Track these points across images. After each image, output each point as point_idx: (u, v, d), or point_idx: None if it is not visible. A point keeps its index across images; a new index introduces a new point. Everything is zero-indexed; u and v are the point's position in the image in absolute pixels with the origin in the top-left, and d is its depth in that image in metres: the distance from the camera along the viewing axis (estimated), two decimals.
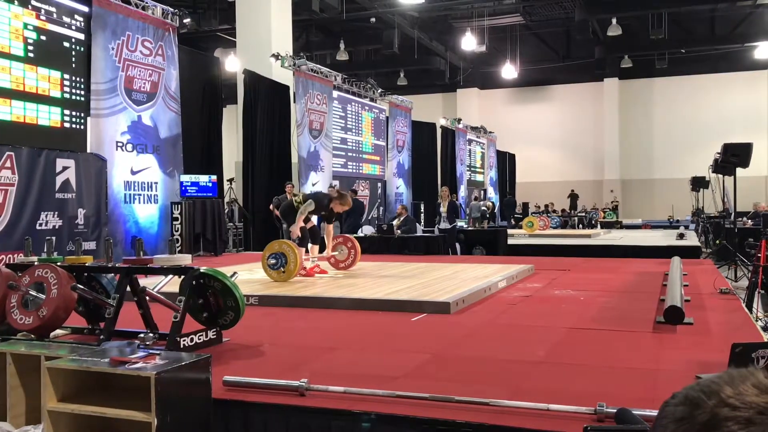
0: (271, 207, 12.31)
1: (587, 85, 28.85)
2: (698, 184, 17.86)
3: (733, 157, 9.67)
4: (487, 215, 19.46)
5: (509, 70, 24.49)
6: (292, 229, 7.55)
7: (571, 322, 4.94)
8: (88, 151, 9.70)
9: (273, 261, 7.08)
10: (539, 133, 29.67)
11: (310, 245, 7.85)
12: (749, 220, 15.17)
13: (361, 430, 2.81)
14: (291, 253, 7.04)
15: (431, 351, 4.06)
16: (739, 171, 9.86)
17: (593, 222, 21.90)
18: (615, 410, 2.55)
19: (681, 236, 14.03)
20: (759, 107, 26.88)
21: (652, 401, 2.75)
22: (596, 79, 28.43)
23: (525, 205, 25.93)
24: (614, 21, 21.46)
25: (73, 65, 9.43)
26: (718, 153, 10.32)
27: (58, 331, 4.28)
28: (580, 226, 21.43)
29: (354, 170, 17.11)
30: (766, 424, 0.70)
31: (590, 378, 3.40)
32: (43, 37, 8.92)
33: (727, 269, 9.64)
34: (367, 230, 13.41)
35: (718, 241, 12.35)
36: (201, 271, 4.04)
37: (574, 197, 26.95)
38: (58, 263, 4.26)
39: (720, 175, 11.78)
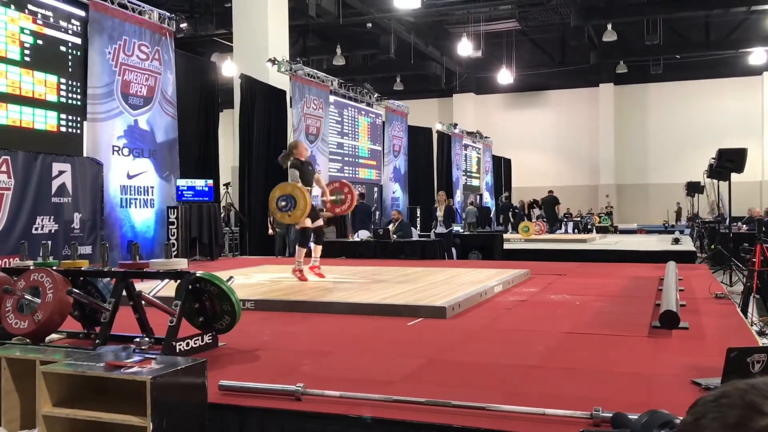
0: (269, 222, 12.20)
1: (582, 91, 28.94)
2: (693, 189, 17.90)
3: (728, 162, 9.70)
4: (507, 203, 19.70)
5: (505, 76, 24.55)
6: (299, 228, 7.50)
7: (566, 327, 4.94)
8: (85, 155, 9.68)
9: (283, 203, 7.13)
10: (535, 138, 29.73)
11: (313, 245, 7.82)
12: (744, 225, 15.22)
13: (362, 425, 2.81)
14: (302, 198, 7.10)
15: (427, 355, 4.06)
16: (734, 176, 9.90)
17: (588, 227, 21.94)
18: (611, 414, 2.56)
19: (676, 241, 14.08)
20: (753, 113, 27.00)
21: (647, 405, 2.74)
22: (591, 85, 28.53)
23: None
24: (609, 27, 21.55)
25: (70, 69, 9.41)
26: (713, 158, 10.35)
27: (54, 336, 4.26)
28: (576, 231, 21.46)
29: (350, 175, 17.11)
30: None
31: (586, 382, 3.40)
32: (39, 42, 8.91)
33: (722, 274, 9.66)
34: (363, 234, 13.41)
35: (713, 246, 12.37)
36: (197, 275, 4.03)
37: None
38: (54, 267, 4.24)
39: (715, 180, 11.81)
